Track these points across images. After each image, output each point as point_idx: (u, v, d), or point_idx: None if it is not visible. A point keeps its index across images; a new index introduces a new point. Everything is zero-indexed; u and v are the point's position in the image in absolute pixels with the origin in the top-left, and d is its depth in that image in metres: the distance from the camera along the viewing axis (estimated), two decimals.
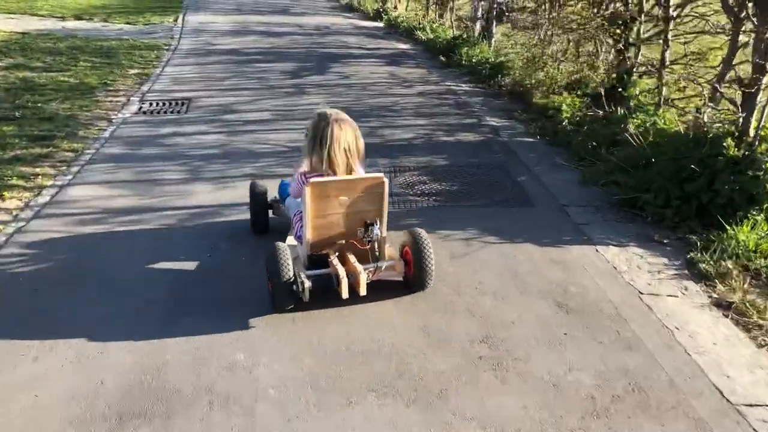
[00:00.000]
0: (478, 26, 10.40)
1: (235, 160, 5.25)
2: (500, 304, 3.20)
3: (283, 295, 3.01)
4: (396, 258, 3.28)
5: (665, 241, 3.94)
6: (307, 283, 3.00)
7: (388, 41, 11.75)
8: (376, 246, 3.18)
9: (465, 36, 10.18)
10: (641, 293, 3.34)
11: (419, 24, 12.18)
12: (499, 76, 8.09)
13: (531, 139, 5.98)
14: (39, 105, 6.66)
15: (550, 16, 7.72)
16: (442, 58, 9.73)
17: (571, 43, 7.66)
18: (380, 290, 3.20)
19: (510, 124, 6.48)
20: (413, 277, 3.24)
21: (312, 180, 3.03)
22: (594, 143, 5.29)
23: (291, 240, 3.45)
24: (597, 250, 3.80)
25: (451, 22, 11.69)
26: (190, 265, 3.52)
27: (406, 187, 4.73)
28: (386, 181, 3.13)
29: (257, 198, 3.85)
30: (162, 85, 7.91)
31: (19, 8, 13.83)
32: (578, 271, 3.54)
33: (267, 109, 6.86)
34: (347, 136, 3.13)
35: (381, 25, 13.76)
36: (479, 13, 10.49)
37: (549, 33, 7.74)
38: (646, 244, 3.92)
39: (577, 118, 6.05)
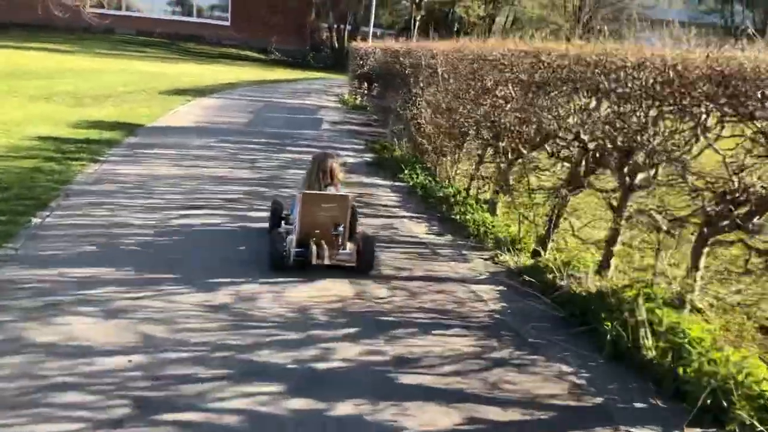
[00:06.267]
0: None
1: None
2: None
3: (277, 261, 4.90)
4: (352, 249, 5.14)
5: None
6: (294, 253, 4.90)
7: None
8: (340, 239, 5.06)
9: None
10: None
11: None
12: None
13: None
14: None
15: None
16: None
17: None
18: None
19: None
20: (361, 264, 5.08)
21: (304, 191, 5.00)
22: None
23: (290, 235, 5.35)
24: None
25: None
26: None
27: None
28: (350, 197, 5.07)
29: (276, 211, 5.80)
30: None
31: None
32: None
33: None
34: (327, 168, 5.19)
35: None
36: None
37: None
38: None
39: None
